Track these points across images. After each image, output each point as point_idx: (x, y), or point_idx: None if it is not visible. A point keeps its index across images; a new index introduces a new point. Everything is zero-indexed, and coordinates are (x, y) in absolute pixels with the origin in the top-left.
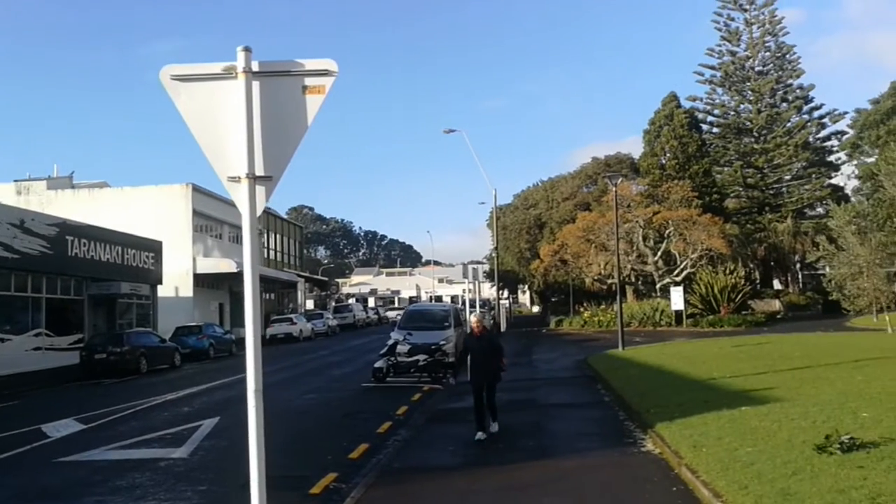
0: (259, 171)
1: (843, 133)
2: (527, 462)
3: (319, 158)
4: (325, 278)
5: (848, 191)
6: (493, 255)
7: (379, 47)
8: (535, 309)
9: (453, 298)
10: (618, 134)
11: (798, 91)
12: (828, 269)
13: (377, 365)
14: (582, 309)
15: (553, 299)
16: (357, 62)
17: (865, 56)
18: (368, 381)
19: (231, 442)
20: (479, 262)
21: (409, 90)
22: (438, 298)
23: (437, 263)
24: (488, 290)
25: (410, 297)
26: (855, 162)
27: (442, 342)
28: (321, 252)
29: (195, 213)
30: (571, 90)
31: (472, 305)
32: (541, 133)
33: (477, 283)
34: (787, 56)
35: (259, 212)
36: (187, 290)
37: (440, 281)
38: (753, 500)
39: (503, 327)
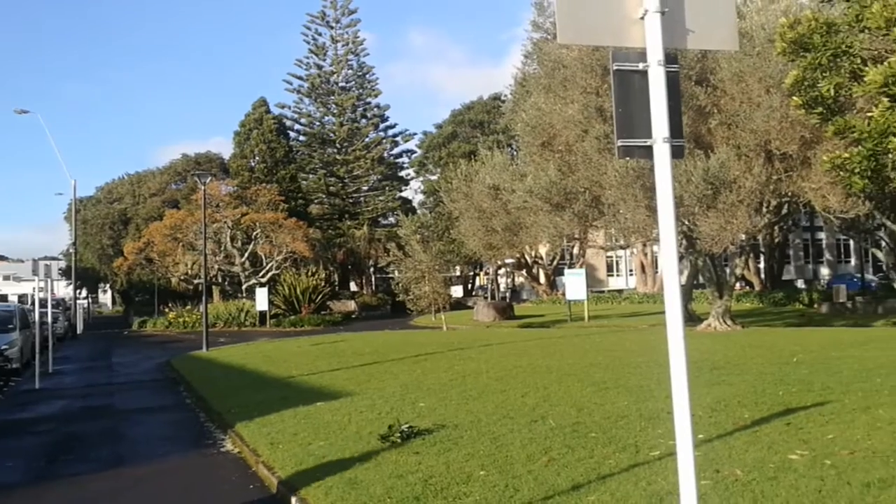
0: None
1: (412, 152)
2: (100, 472)
3: None
4: None
5: (415, 203)
6: (71, 250)
7: None
8: (119, 309)
9: (21, 298)
10: (206, 133)
11: (376, 109)
12: (396, 272)
13: None
14: (167, 309)
15: (137, 299)
16: None
17: (428, 84)
18: None
19: None
20: (54, 259)
21: None
22: (3, 298)
23: (2, 258)
24: (64, 289)
25: None
26: (421, 178)
27: (4, 347)
28: None
29: None
30: (159, 84)
31: (44, 305)
32: (127, 124)
33: (50, 281)
34: (367, 76)
35: None
36: None
37: (6, 278)
38: (324, 491)
39: (80, 329)
